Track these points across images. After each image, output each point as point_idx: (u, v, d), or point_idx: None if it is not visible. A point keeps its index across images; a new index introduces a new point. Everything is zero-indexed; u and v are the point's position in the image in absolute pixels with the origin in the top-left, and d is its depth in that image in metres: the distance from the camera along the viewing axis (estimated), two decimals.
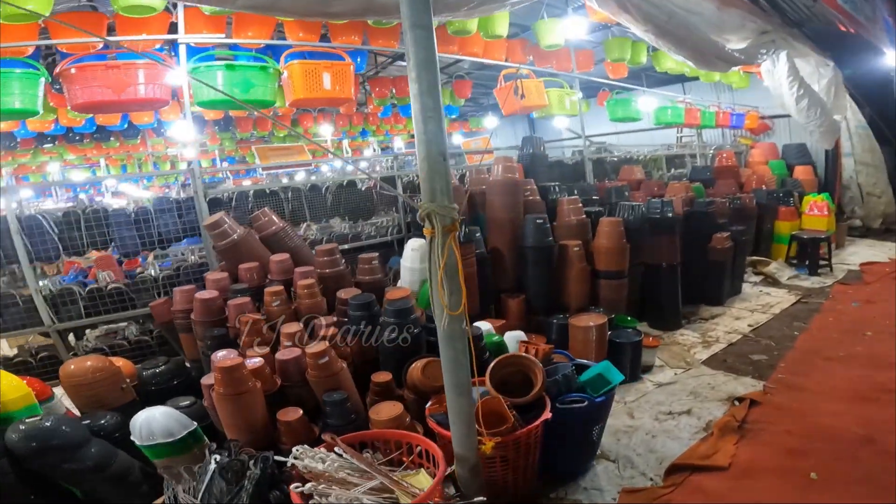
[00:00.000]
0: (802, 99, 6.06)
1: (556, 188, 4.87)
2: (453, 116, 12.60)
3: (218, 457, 1.85)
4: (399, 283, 3.80)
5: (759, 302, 5.28)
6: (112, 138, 10.64)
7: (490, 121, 13.02)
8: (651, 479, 2.63)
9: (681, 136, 8.76)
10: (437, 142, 1.81)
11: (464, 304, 1.91)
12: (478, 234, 4.03)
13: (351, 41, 4.59)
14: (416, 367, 2.63)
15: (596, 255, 4.20)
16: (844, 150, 8.12)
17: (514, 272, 4.22)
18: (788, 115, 7.62)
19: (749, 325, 4.64)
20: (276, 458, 1.95)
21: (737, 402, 3.32)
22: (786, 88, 6.01)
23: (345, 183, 5.04)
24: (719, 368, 3.89)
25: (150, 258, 5.88)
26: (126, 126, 8.30)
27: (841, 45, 7.52)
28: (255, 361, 2.51)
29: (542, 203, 4.58)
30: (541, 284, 4.04)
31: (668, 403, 3.44)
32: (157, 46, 4.29)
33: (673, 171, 7.68)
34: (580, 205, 4.43)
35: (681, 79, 9.06)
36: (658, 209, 4.48)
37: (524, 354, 2.60)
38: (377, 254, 3.71)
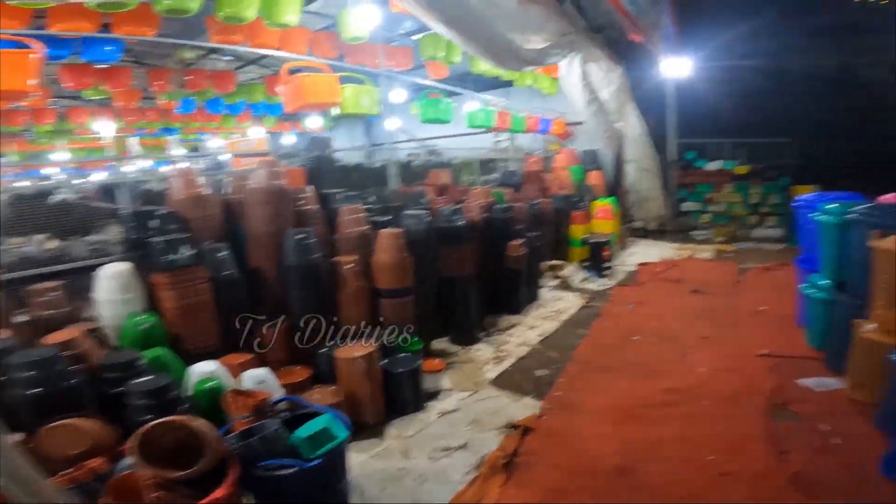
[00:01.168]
0: (591, 104, 6.37)
1: (341, 196, 4.26)
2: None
3: None
4: (101, 320, 2.83)
5: (553, 308, 5.38)
6: None
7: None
8: None
9: (497, 141, 8.93)
10: None
11: None
12: (222, 253, 3.21)
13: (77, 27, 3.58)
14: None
15: (376, 272, 3.70)
16: (628, 157, 9.02)
17: (279, 295, 3.49)
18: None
19: (539, 336, 4.62)
20: None
21: (512, 430, 3.09)
22: (578, 92, 6.24)
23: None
24: (505, 388, 3.69)
25: None
26: None
27: (630, 53, 8.29)
28: None
29: (320, 213, 3.93)
30: (307, 308, 3.39)
31: (447, 436, 3.09)
32: None
33: (486, 176, 7.72)
34: (363, 214, 3.89)
35: (507, 83, 9.31)
36: (448, 218, 4.16)
37: (187, 417, 1.92)
38: (60, 282, 2.68)
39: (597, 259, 6.45)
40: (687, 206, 8.74)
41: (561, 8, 5.47)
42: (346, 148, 13.55)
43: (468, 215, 4.60)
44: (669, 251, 7.48)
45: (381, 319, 3.72)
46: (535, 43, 5.05)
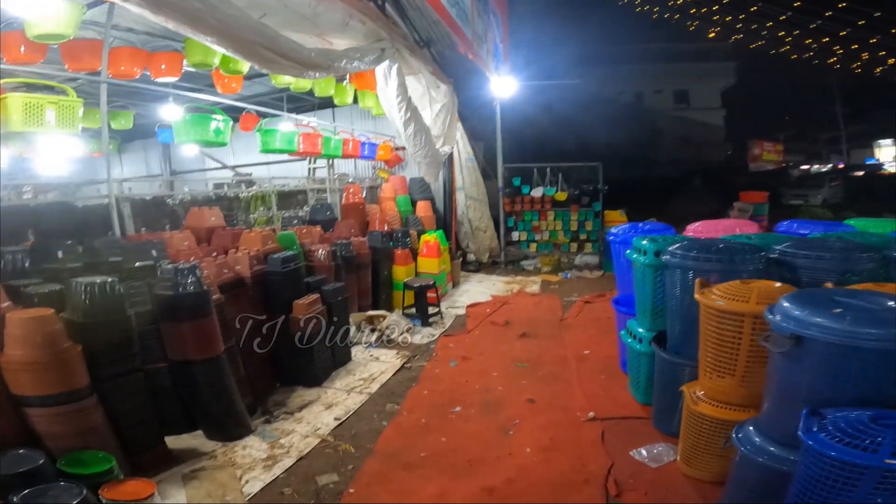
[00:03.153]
0: (410, 123, 5.52)
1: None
2: None
3: None
4: None
5: (364, 373, 4.35)
6: None
7: None
8: None
9: (313, 168, 7.74)
10: None
11: None
12: None
13: None
14: None
15: (6, 373, 2.26)
16: (458, 184, 8.60)
17: None
18: None
19: (337, 419, 3.52)
20: None
21: None
22: (395, 109, 5.36)
23: None
24: None
25: None
26: None
27: (460, 71, 7.81)
28: None
29: None
30: None
31: None
32: None
33: (291, 212, 6.42)
34: None
35: (332, 104, 8.22)
36: (173, 282, 2.87)
37: None
38: None
39: (422, 305, 5.64)
40: (516, 235, 8.59)
41: (374, 8, 4.61)
42: (137, 178, 11.13)
43: (228, 272, 3.35)
44: (500, 286, 7.07)
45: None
46: (343, 44, 4.08)
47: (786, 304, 1.74)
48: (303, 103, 8.62)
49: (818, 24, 15.79)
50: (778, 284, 2.17)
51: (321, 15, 3.54)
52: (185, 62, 4.77)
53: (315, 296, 3.96)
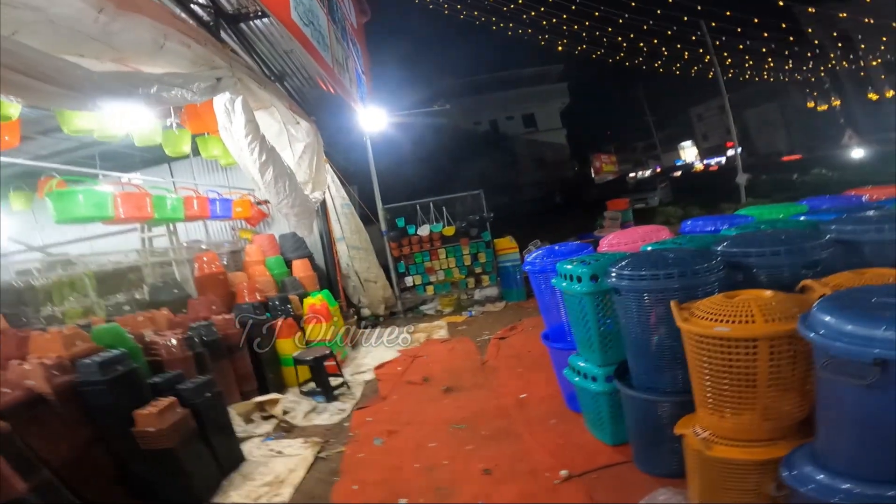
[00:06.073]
0: (267, 167, 4.53)
1: None
2: None
3: None
4: None
5: (268, 475, 3.31)
6: None
7: None
8: None
9: (148, 238, 6.31)
10: None
11: None
12: None
13: None
14: None
15: None
16: (336, 234, 7.76)
17: None
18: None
19: None
20: None
21: None
22: (246, 153, 4.36)
23: None
24: None
25: None
26: None
27: (323, 105, 6.94)
28: None
29: None
30: None
31: None
32: None
33: (120, 296, 4.97)
34: None
35: (167, 158, 6.81)
36: None
37: None
38: None
39: (321, 378, 4.68)
40: (410, 280, 7.94)
41: (203, 31, 3.72)
42: None
43: (11, 391, 2.20)
44: (405, 337, 6.33)
45: None
46: (158, 69, 3.11)
47: (830, 318, 1.35)
48: (129, 160, 7.15)
49: (625, 18, 17.97)
50: (768, 293, 1.84)
51: (117, 35, 2.59)
52: None
53: (169, 399, 2.87)
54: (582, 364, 2.99)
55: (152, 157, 7.28)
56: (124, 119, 4.32)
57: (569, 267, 2.94)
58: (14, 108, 3.46)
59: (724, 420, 1.86)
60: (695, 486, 2.06)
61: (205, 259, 5.67)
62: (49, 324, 3.80)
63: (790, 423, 1.80)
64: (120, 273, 5.15)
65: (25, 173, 6.45)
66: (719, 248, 2.48)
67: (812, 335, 1.38)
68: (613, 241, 3.63)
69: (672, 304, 1.95)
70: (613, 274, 2.42)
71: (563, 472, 2.78)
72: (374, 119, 7.53)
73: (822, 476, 1.48)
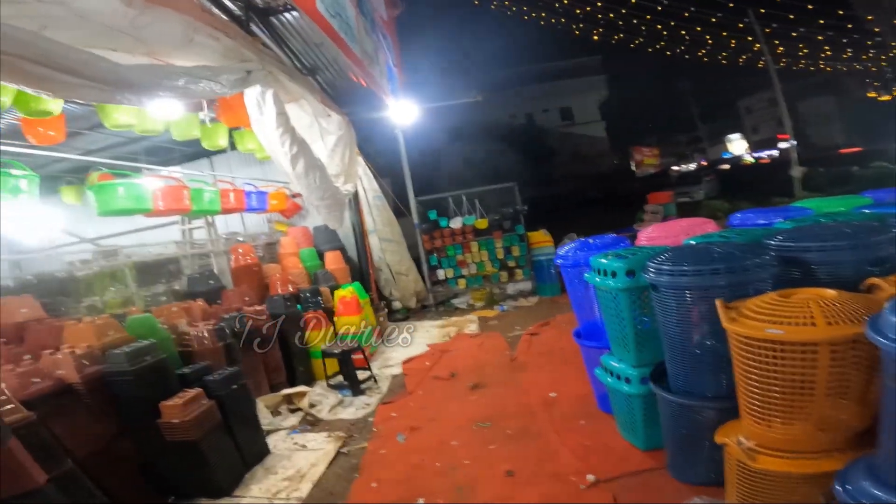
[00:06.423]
0: (298, 160, 4.53)
1: None
2: None
3: None
4: None
5: (289, 468, 3.33)
6: None
7: None
8: None
9: (188, 230, 6.49)
10: None
11: None
12: None
13: None
14: None
15: None
16: (369, 227, 7.76)
17: None
18: None
19: None
20: None
21: None
22: (277, 145, 4.38)
23: None
24: None
25: None
26: None
27: (355, 99, 6.94)
28: None
29: None
30: None
31: None
32: None
33: (161, 286, 5.11)
34: None
35: (207, 152, 7.00)
36: None
37: None
38: None
39: (349, 371, 4.68)
40: (442, 273, 7.87)
41: (233, 25, 3.74)
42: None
43: (41, 381, 2.26)
44: (435, 332, 6.27)
45: None
46: (190, 63, 3.13)
47: None
48: (172, 154, 7.38)
49: (664, 4, 17.06)
50: (831, 292, 1.64)
51: (146, 28, 2.61)
52: None
53: (195, 391, 2.89)
54: (615, 364, 2.83)
55: (193, 152, 7.49)
56: (161, 113, 4.42)
57: (603, 261, 2.78)
58: (55, 104, 3.57)
59: (771, 429, 1.67)
60: (733, 498, 1.88)
61: (240, 251, 5.77)
62: (90, 313, 3.93)
63: (846, 434, 1.61)
64: (159, 264, 5.30)
65: (76, 168, 6.76)
66: (773, 242, 2.27)
67: (884, 341, 1.20)
68: (653, 234, 3.41)
69: (717, 302, 1.78)
70: (652, 269, 2.25)
71: (591, 477, 2.64)
72: (406, 112, 7.45)
73: (880, 492, 1.30)
